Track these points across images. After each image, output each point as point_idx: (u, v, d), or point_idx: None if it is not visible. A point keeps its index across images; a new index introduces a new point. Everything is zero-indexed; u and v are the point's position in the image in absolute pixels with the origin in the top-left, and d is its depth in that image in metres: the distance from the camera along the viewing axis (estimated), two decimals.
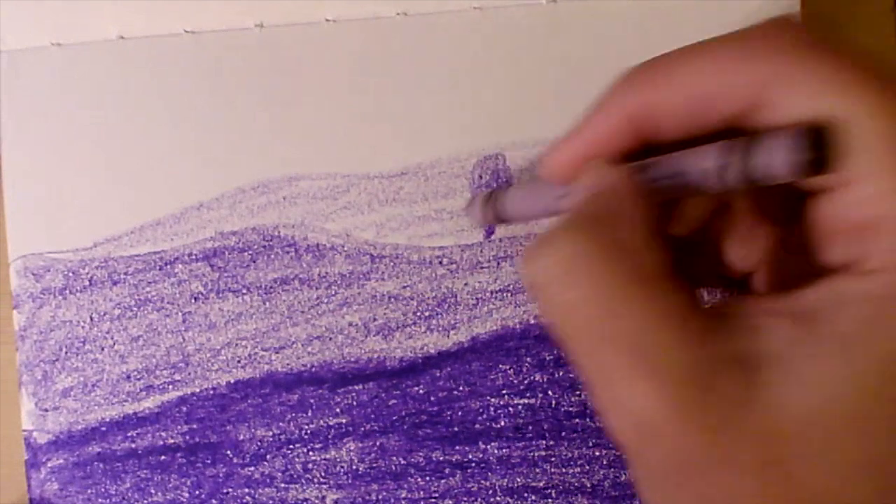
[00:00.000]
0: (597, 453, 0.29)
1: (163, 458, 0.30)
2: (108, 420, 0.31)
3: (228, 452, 0.30)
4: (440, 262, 0.30)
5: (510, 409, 0.29)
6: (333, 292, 0.30)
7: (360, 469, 0.30)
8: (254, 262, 0.30)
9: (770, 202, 0.19)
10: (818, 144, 0.14)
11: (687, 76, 0.16)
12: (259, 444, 0.30)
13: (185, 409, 0.30)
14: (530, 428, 0.29)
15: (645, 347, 0.15)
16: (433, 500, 0.29)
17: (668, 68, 0.17)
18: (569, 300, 0.15)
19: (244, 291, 0.30)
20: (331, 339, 0.30)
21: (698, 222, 0.20)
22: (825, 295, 0.15)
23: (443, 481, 0.29)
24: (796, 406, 0.14)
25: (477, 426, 0.29)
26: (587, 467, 0.29)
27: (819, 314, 0.15)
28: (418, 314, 0.30)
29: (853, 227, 0.15)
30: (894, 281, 0.14)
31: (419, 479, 0.30)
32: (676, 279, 0.16)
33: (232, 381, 0.30)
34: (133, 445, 0.30)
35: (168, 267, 0.31)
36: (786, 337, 0.15)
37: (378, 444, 0.30)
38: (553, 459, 0.29)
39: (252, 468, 0.30)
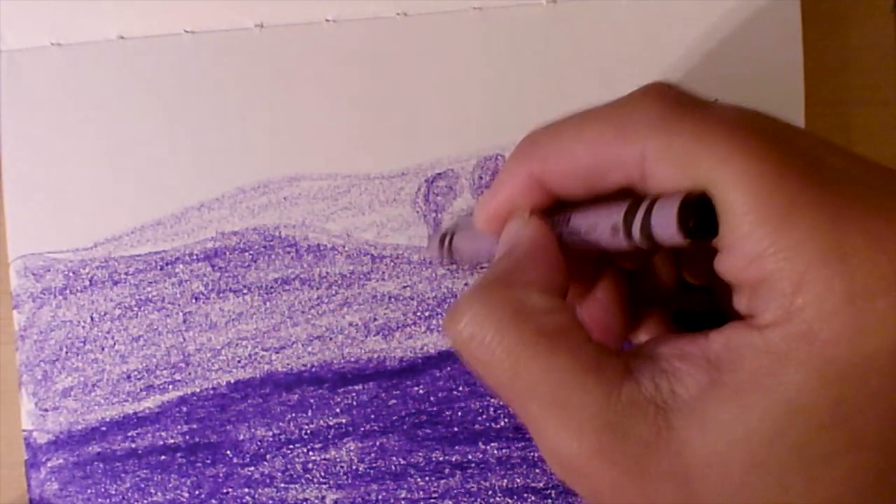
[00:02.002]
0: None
1: (163, 458, 0.30)
2: (108, 420, 0.31)
3: (228, 452, 0.30)
4: (440, 262, 0.30)
5: (510, 409, 0.29)
6: (334, 292, 0.30)
7: (360, 469, 0.30)
8: (254, 262, 0.30)
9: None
10: (693, 213, 0.15)
11: (571, 152, 0.18)
12: (259, 444, 0.30)
13: (185, 409, 0.30)
14: None
15: (557, 400, 0.16)
16: (433, 501, 0.29)
17: (554, 142, 0.18)
18: (483, 361, 0.17)
19: (245, 291, 0.30)
20: (331, 339, 0.30)
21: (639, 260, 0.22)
22: (728, 343, 0.15)
23: (442, 481, 0.29)
24: (701, 450, 0.15)
25: (477, 426, 0.29)
26: None
27: (723, 361, 0.15)
28: (418, 314, 0.30)
29: (744, 283, 0.15)
30: (784, 337, 0.14)
31: (419, 480, 0.30)
32: (584, 332, 0.17)
33: (232, 381, 0.30)
34: (133, 445, 0.30)
35: (169, 267, 0.31)
36: (696, 382, 0.15)
37: (378, 444, 0.30)
38: None
39: (252, 468, 0.30)
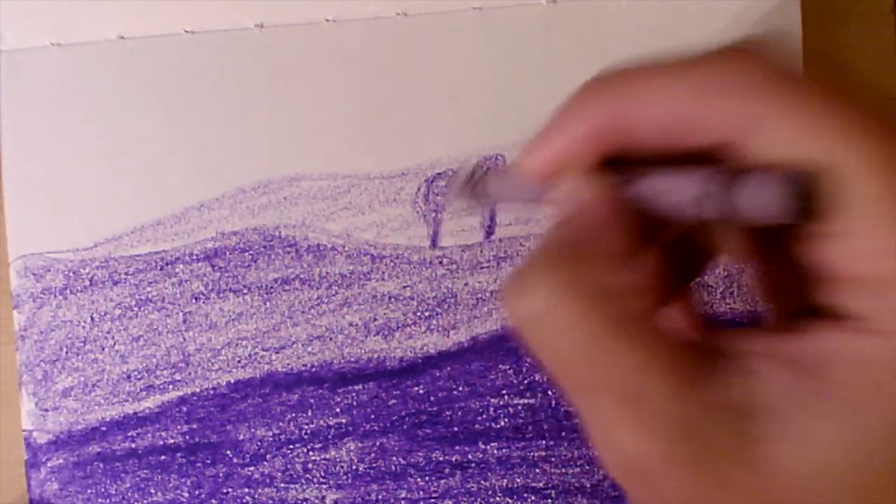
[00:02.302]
0: (597, 454, 0.29)
1: (163, 458, 0.30)
2: (108, 420, 0.31)
3: (228, 452, 0.30)
4: (440, 263, 0.30)
5: (510, 409, 0.29)
6: (334, 292, 0.30)
7: (360, 469, 0.30)
8: (254, 262, 0.30)
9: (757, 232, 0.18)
10: (806, 192, 0.14)
11: (665, 96, 0.15)
12: (259, 444, 0.30)
13: (185, 409, 0.30)
14: (530, 428, 0.29)
15: (633, 395, 0.14)
16: (433, 501, 0.29)
17: (645, 82, 0.16)
18: (553, 344, 0.15)
19: (245, 291, 0.30)
20: (331, 339, 0.30)
21: (681, 230, 0.20)
22: (829, 348, 0.14)
23: (442, 481, 0.29)
24: (793, 465, 0.14)
25: (477, 426, 0.29)
26: (587, 467, 0.29)
27: (822, 369, 0.14)
28: (418, 314, 0.30)
29: (853, 279, 0.14)
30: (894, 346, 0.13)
31: (419, 480, 0.30)
32: (663, 323, 0.15)
33: (232, 381, 0.30)
34: (133, 445, 0.30)
35: (169, 267, 0.31)
36: (785, 388, 0.14)
37: (378, 444, 0.30)
38: (553, 459, 0.29)
39: (252, 468, 0.30)
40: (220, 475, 0.30)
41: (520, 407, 0.29)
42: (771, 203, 0.14)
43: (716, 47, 0.15)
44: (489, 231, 0.30)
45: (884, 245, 0.13)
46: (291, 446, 0.30)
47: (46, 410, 0.31)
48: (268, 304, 0.30)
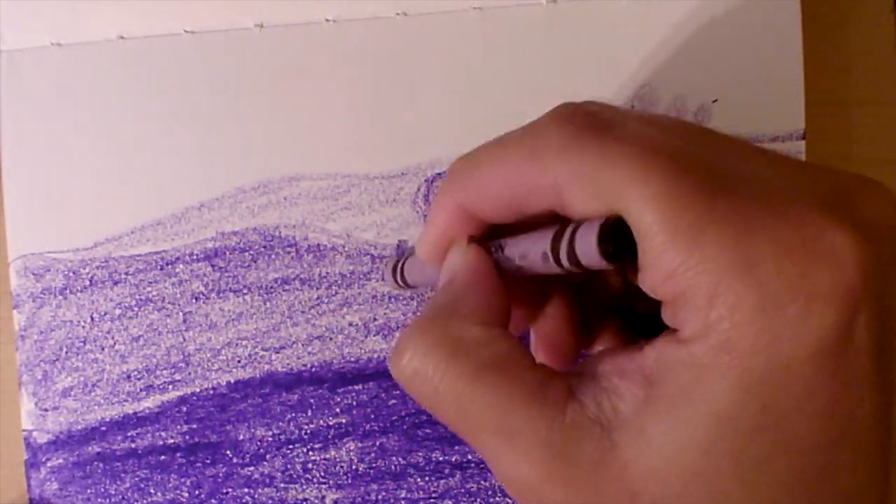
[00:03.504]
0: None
1: (163, 457, 0.30)
2: (108, 420, 0.31)
3: (228, 452, 0.30)
4: None
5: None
6: (334, 292, 0.30)
7: (360, 469, 0.30)
8: (254, 262, 0.30)
9: None
10: (611, 239, 0.16)
11: (488, 181, 0.18)
12: (259, 444, 0.30)
13: (185, 408, 0.30)
14: None
15: (502, 428, 0.16)
16: (433, 501, 0.29)
17: (472, 172, 0.19)
18: (428, 396, 0.17)
19: (245, 291, 0.30)
20: (331, 339, 0.30)
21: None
22: (659, 357, 0.16)
23: (442, 481, 0.29)
24: (641, 465, 0.15)
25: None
26: None
27: (654, 376, 0.16)
28: (418, 314, 0.30)
29: (664, 299, 0.16)
30: (704, 349, 0.15)
31: (419, 480, 0.30)
32: (526, 359, 0.17)
33: (232, 380, 0.30)
34: (133, 445, 0.30)
35: (169, 267, 0.31)
36: (634, 398, 0.16)
37: (378, 444, 0.30)
38: None
39: (252, 468, 0.30)
40: (220, 475, 0.30)
41: None
42: (588, 255, 0.16)
43: (545, 114, 0.18)
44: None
45: (670, 267, 0.15)
46: (291, 446, 0.30)
47: (46, 410, 0.31)
48: (268, 304, 0.30)
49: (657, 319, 0.17)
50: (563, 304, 0.22)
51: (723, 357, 0.15)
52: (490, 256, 0.19)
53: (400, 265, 0.25)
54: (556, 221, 0.17)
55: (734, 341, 0.14)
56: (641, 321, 0.22)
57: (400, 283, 0.26)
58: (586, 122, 0.17)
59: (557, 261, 0.17)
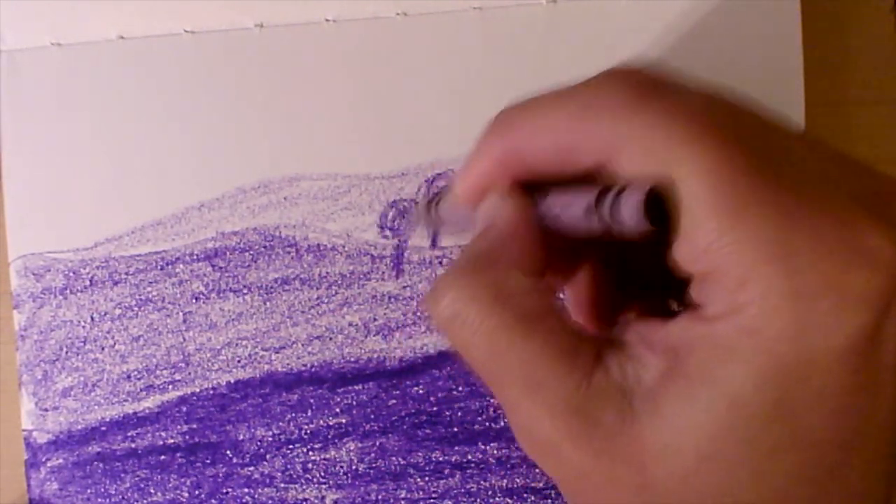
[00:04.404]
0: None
1: (163, 457, 0.30)
2: (108, 420, 0.31)
3: (228, 452, 0.30)
4: (440, 263, 0.30)
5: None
6: (334, 292, 0.30)
7: (360, 469, 0.30)
8: (255, 262, 0.30)
9: None
10: (653, 204, 0.15)
11: (542, 131, 0.18)
12: (259, 444, 0.30)
13: (185, 408, 0.30)
14: None
15: (532, 381, 0.17)
16: (433, 501, 0.29)
17: (526, 120, 0.18)
18: (464, 341, 0.17)
19: (245, 291, 0.30)
20: (331, 339, 0.30)
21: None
22: (680, 333, 0.16)
23: (442, 482, 0.29)
24: (656, 437, 0.15)
25: (477, 426, 0.29)
26: None
27: (677, 352, 0.16)
28: (418, 314, 0.30)
29: (695, 273, 0.16)
30: (728, 330, 0.15)
31: (418, 480, 0.30)
32: (562, 316, 0.17)
33: (232, 380, 0.30)
34: (133, 445, 0.30)
35: (169, 267, 0.31)
36: (656, 370, 0.16)
37: (378, 444, 0.30)
38: None
39: (252, 468, 0.30)
40: (220, 475, 0.30)
41: None
42: (632, 216, 0.16)
43: (599, 73, 0.18)
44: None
45: (706, 241, 0.15)
46: (291, 446, 0.30)
47: (46, 410, 0.31)
48: (268, 304, 0.30)
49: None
50: (598, 268, 0.22)
51: (747, 341, 0.14)
52: (531, 205, 0.19)
53: (435, 203, 0.25)
54: (597, 181, 0.17)
55: (760, 326, 0.14)
56: (677, 292, 0.22)
57: (433, 221, 0.25)
58: (645, 82, 0.17)
59: (600, 217, 0.17)
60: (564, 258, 0.22)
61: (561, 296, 0.23)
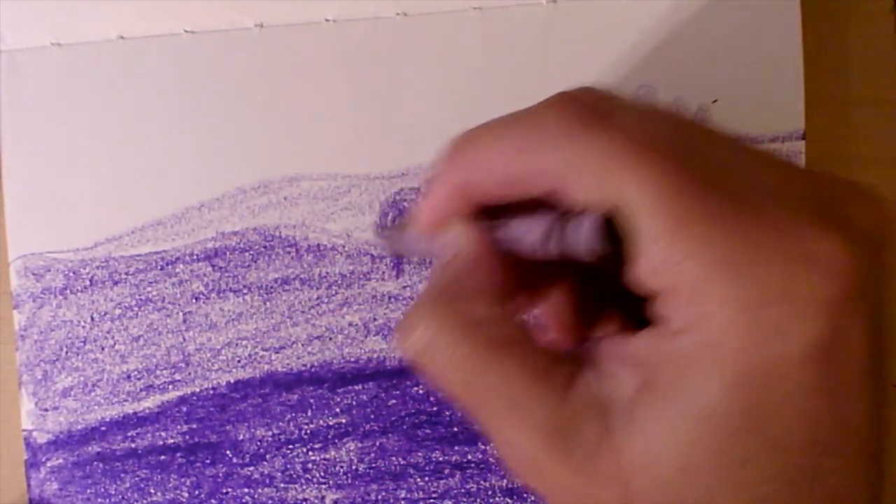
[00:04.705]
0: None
1: (162, 457, 0.30)
2: (108, 420, 0.31)
3: (228, 452, 0.30)
4: None
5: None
6: (334, 292, 0.30)
7: (360, 469, 0.30)
8: (255, 262, 0.30)
9: None
10: (606, 230, 0.16)
11: (490, 161, 0.18)
12: (259, 444, 0.30)
13: (185, 408, 0.30)
14: None
15: (511, 403, 0.17)
16: (433, 501, 0.29)
17: (475, 151, 0.19)
18: (437, 371, 0.18)
19: (245, 291, 0.30)
20: (331, 339, 0.30)
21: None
22: (648, 349, 0.16)
23: (442, 482, 0.29)
24: (634, 454, 0.15)
25: (476, 426, 0.29)
26: None
27: (647, 366, 0.16)
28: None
29: (649, 293, 0.16)
30: (691, 344, 0.15)
31: (418, 480, 0.30)
32: (532, 340, 0.18)
33: (232, 381, 0.30)
34: (133, 445, 0.30)
35: (169, 267, 0.31)
36: (630, 385, 0.16)
37: (378, 444, 0.30)
38: None
39: (252, 468, 0.30)
40: (220, 475, 0.30)
41: None
42: (586, 240, 0.16)
43: (547, 99, 0.18)
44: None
45: (655, 261, 0.15)
46: (291, 446, 0.30)
47: (46, 410, 0.31)
48: (268, 304, 0.30)
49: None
50: (566, 288, 0.22)
51: (707, 353, 0.15)
52: (491, 233, 0.19)
53: (392, 229, 0.25)
54: (553, 204, 0.18)
55: (719, 339, 0.15)
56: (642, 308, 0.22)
57: (390, 244, 0.25)
58: (586, 110, 0.17)
59: (557, 242, 0.17)
60: (534, 277, 0.22)
61: (533, 315, 0.23)
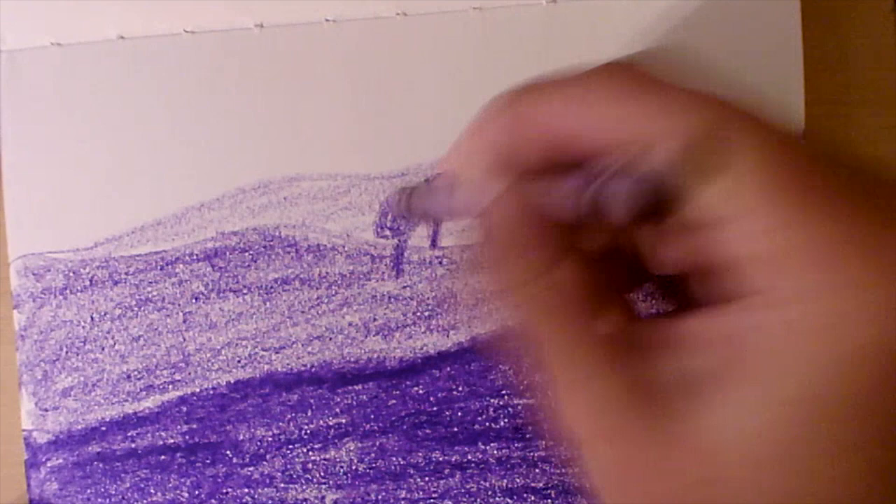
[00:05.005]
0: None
1: (162, 457, 0.30)
2: (108, 420, 0.31)
3: (228, 452, 0.30)
4: (440, 263, 0.30)
5: (510, 409, 0.29)
6: (334, 292, 0.30)
7: (360, 469, 0.30)
8: (254, 262, 0.30)
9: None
10: (658, 189, 0.15)
11: (536, 125, 0.18)
12: (259, 444, 0.30)
13: (185, 408, 0.30)
14: (530, 428, 0.29)
15: (608, 358, 0.16)
16: (433, 501, 0.29)
17: (540, 94, 0.18)
18: (532, 326, 0.18)
19: (245, 291, 0.30)
20: (331, 339, 0.30)
21: (606, 238, 0.21)
22: (746, 321, 0.15)
23: (442, 482, 0.29)
24: (729, 430, 0.15)
25: (476, 426, 0.29)
26: None
27: (745, 340, 0.15)
28: (418, 314, 0.30)
29: (754, 256, 0.15)
30: (807, 311, 0.14)
31: (418, 480, 0.30)
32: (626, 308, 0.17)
33: (232, 381, 0.30)
34: (133, 445, 0.30)
35: (169, 267, 0.31)
36: (719, 361, 0.15)
37: (378, 444, 0.30)
38: (553, 460, 0.29)
39: (252, 468, 0.30)
40: (220, 475, 0.30)
41: (519, 407, 0.29)
42: (631, 199, 0.15)
43: (590, 69, 0.17)
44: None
45: (763, 224, 0.14)
46: (291, 446, 0.30)
47: (46, 410, 0.31)
48: (268, 304, 0.30)
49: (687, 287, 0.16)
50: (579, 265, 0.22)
51: (815, 330, 0.14)
52: (529, 199, 0.18)
53: (408, 193, 0.25)
54: (594, 169, 0.17)
55: (840, 312, 0.14)
56: (670, 287, 0.21)
57: (407, 211, 0.25)
58: (642, 73, 0.16)
59: (581, 207, 0.17)
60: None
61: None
